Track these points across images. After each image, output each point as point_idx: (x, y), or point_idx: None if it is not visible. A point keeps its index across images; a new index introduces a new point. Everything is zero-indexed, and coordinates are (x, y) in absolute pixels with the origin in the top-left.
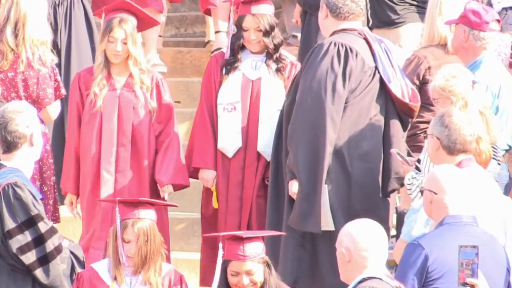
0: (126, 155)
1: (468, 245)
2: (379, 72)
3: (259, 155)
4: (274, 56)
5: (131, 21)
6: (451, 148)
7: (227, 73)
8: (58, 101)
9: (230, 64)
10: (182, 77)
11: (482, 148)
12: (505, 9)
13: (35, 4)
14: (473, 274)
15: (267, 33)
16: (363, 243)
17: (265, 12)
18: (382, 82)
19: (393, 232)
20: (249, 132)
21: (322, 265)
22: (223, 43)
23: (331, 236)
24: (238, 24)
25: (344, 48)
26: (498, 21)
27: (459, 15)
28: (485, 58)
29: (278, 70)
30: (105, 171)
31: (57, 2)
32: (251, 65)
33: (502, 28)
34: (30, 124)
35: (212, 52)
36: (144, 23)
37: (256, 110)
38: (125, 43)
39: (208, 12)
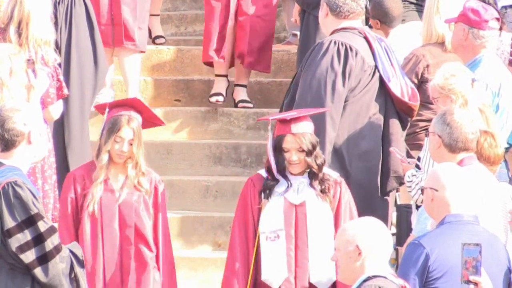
0: (129, 262)
1: (471, 243)
2: (378, 71)
3: (311, 286)
4: (318, 177)
5: (138, 119)
6: (453, 146)
7: (267, 197)
8: (61, 101)
9: (269, 188)
10: (182, 75)
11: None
12: (505, 7)
13: (39, 3)
14: (476, 272)
15: (310, 153)
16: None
17: (306, 130)
18: (381, 81)
19: (393, 230)
20: (298, 262)
21: None
22: (221, 87)
23: None
24: (278, 144)
25: (344, 47)
26: (498, 19)
27: (458, 14)
28: (485, 57)
29: (323, 191)
30: (112, 282)
31: (57, 0)
32: (293, 188)
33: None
34: (28, 122)
35: (210, 96)
36: (148, 123)
37: (303, 238)
38: (131, 144)
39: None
